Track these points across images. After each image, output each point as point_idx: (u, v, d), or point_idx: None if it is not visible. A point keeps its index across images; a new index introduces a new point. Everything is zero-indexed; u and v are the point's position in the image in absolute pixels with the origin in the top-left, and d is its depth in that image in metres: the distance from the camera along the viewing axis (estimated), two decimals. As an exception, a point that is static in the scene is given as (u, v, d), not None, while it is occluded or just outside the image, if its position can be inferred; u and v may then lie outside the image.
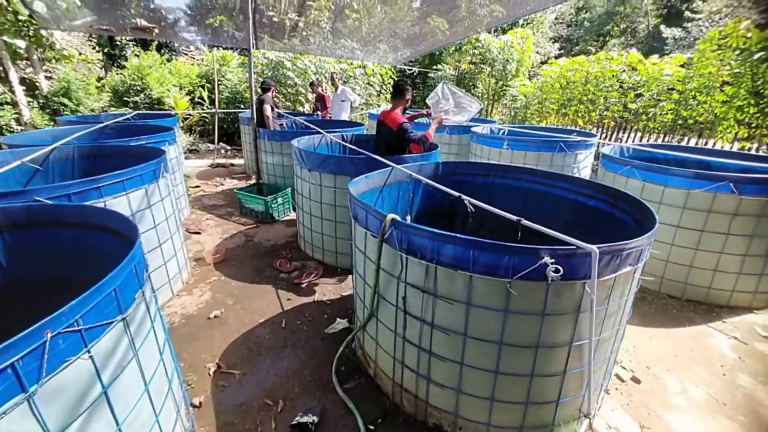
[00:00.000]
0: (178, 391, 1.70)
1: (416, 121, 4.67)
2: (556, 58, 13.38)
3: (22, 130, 7.16)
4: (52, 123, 7.47)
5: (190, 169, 7.03)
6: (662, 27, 18.72)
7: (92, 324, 1.05)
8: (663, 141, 7.65)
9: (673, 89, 7.34)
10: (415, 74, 13.43)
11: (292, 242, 4.08)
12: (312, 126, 4.90)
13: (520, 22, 14.29)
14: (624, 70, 8.08)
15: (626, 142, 8.33)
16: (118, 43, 11.88)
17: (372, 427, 1.90)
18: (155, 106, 9.16)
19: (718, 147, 6.69)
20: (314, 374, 2.27)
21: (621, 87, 8.24)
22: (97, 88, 9.14)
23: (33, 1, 6.45)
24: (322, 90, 7.84)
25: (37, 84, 8.38)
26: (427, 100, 3.57)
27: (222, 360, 2.36)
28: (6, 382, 0.85)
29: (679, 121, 7.29)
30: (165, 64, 10.33)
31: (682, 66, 7.41)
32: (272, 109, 5.69)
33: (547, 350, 1.57)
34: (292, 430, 1.89)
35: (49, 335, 0.92)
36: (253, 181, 5.58)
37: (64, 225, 1.83)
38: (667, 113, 7.39)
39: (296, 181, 3.74)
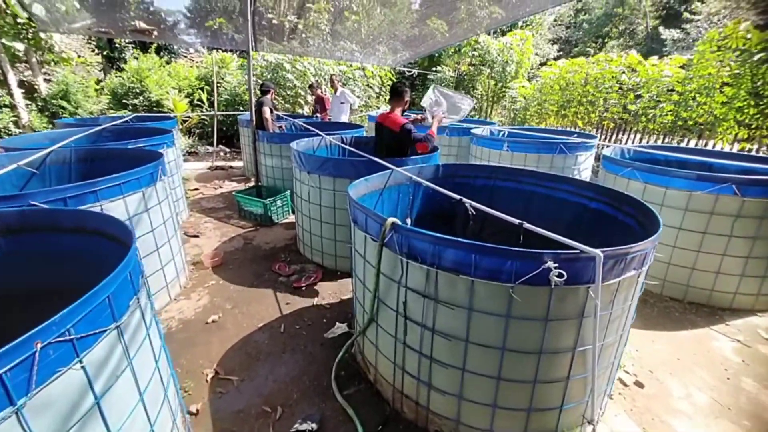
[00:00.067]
0: (175, 399, 1.67)
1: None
2: (555, 59, 13.38)
3: (20, 132, 7.13)
4: (50, 126, 7.45)
5: (188, 172, 7.01)
6: (661, 28, 18.77)
7: (84, 333, 1.02)
8: (663, 142, 7.64)
9: (672, 90, 7.33)
10: (414, 76, 13.44)
11: (291, 245, 4.05)
12: (311, 128, 4.88)
13: (519, 23, 14.31)
14: (623, 72, 8.08)
15: (626, 143, 8.32)
16: (117, 45, 11.87)
17: (372, 435, 1.87)
18: (154, 108, 9.14)
19: (718, 148, 6.68)
20: (313, 380, 2.23)
21: (620, 88, 8.24)
22: (96, 90, 9.13)
23: (32, 3, 6.44)
24: (322, 92, 7.82)
25: (36, 87, 8.36)
26: (422, 103, 3.59)
27: (220, 366, 2.33)
28: (-7, 394, 0.82)
29: (679, 123, 7.28)
30: (164, 66, 10.32)
31: (681, 67, 7.41)
32: (271, 112, 5.67)
33: (550, 356, 1.54)
34: (290, 437, 1.86)
35: (39, 346, 0.89)
36: (252, 184, 5.55)
37: (60, 230, 1.80)
38: (666, 114, 7.37)
39: (295, 184, 3.72)
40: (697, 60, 6.87)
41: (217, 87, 9.56)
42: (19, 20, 6.97)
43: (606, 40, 22.28)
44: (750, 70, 6.07)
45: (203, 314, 2.85)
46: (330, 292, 3.19)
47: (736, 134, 6.50)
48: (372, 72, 10.46)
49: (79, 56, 10.14)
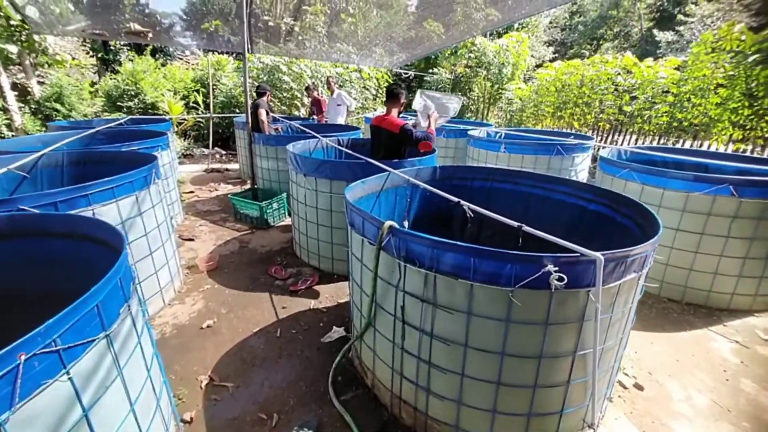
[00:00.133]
0: (167, 408, 1.63)
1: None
2: (551, 61, 13.44)
3: (13, 135, 7.06)
4: (44, 129, 7.37)
5: (184, 174, 6.95)
6: (655, 30, 18.92)
7: (72, 344, 0.99)
8: (658, 143, 7.67)
9: (667, 92, 7.37)
10: (411, 78, 13.45)
11: (288, 248, 4.02)
12: (308, 130, 4.85)
13: (515, 26, 14.37)
14: (619, 73, 8.12)
15: (622, 144, 8.35)
16: (112, 47, 11.81)
17: (370, 441, 1.84)
18: (149, 111, 9.08)
19: (713, 149, 6.71)
20: (310, 386, 2.20)
21: (616, 90, 8.27)
22: (90, 93, 9.05)
23: (25, 5, 6.37)
24: (318, 94, 7.80)
25: (29, 89, 8.28)
26: (413, 106, 3.63)
27: (214, 372, 2.29)
28: (-26, 409, 0.79)
29: (674, 124, 7.32)
30: (159, 68, 10.27)
31: (676, 69, 7.45)
32: (267, 114, 5.63)
33: (550, 360, 1.52)
34: (287, 445, 1.82)
35: (23, 358, 0.86)
36: (248, 187, 5.51)
37: (50, 235, 1.77)
38: (662, 116, 7.41)
39: (291, 187, 3.69)
40: (691, 62, 6.92)
41: (213, 89, 9.51)
42: (12, 22, 6.90)
43: (601, 42, 22.44)
44: (744, 71, 6.11)
45: (198, 319, 2.80)
46: (327, 296, 3.15)
47: (731, 135, 6.54)
48: (369, 74, 10.46)
49: (73, 58, 10.07)
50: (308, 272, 3.50)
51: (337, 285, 3.32)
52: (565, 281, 1.33)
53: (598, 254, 1.32)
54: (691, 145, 7.20)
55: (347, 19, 7.52)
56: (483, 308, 1.49)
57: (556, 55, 20.04)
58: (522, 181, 2.84)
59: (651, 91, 7.58)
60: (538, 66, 15.06)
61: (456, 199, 2.04)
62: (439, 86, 12.04)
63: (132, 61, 10.09)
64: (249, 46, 5.07)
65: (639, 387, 2.20)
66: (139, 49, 11.83)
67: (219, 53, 11.41)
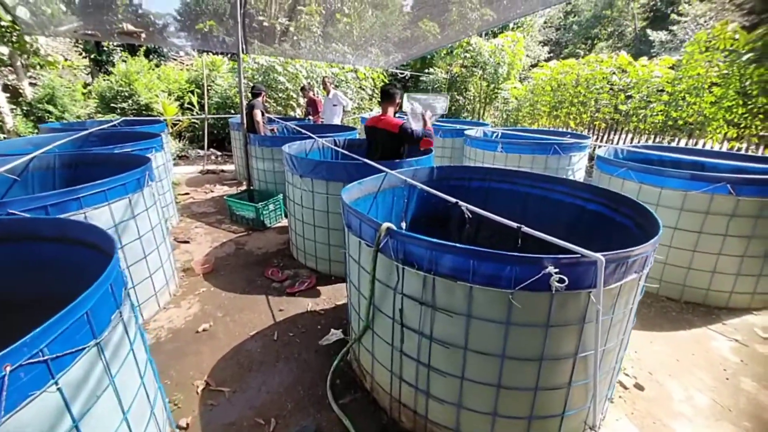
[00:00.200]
0: (162, 415, 1.60)
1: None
2: (546, 61, 13.47)
3: (5, 138, 6.96)
4: (36, 131, 7.28)
5: (179, 176, 6.89)
6: (648, 30, 19.04)
7: (60, 353, 0.96)
8: (653, 142, 7.70)
9: (662, 91, 7.40)
10: (407, 78, 13.43)
11: (284, 250, 3.98)
12: (303, 131, 4.82)
13: (511, 25, 14.40)
14: (614, 72, 8.15)
15: (617, 143, 8.38)
16: (105, 48, 11.71)
17: (369, 446, 1.82)
18: (143, 112, 9.00)
19: (708, 147, 6.74)
20: (308, 389, 2.17)
21: (611, 89, 8.30)
22: (83, 94, 8.95)
23: (15, 6, 6.29)
24: (314, 94, 7.76)
25: (21, 91, 8.18)
26: (403, 108, 3.68)
27: (211, 377, 2.25)
28: (-44, 424, 0.76)
29: (669, 122, 7.35)
30: (153, 69, 10.17)
31: (671, 68, 7.49)
32: (262, 114, 5.59)
33: (551, 363, 1.50)
34: (285, 451, 1.79)
35: (9, 369, 0.83)
36: (244, 188, 5.47)
37: (40, 239, 1.73)
38: (657, 114, 7.44)
39: (288, 188, 3.65)
40: (686, 61, 6.95)
41: (208, 90, 9.45)
42: (2, 23, 6.81)
43: (595, 42, 22.56)
44: (738, 70, 6.14)
45: (194, 323, 2.76)
46: (324, 298, 3.12)
47: (726, 133, 6.58)
48: (364, 74, 10.43)
49: (65, 59, 9.97)
50: (305, 274, 3.47)
51: (335, 287, 3.29)
52: (566, 283, 1.31)
53: (599, 255, 1.31)
54: (686, 144, 7.24)
55: (342, 19, 7.49)
56: (483, 311, 1.46)
57: (551, 54, 20.13)
58: (520, 180, 2.82)
59: (646, 90, 7.61)
60: (533, 66, 15.10)
61: (454, 200, 2.02)
62: (435, 86, 12.04)
63: (125, 61, 9.98)
64: (244, 46, 5.03)
65: (639, 387, 2.19)
66: (132, 50, 11.72)
67: (214, 54, 11.33)
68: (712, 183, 2.74)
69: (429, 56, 12.29)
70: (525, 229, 1.58)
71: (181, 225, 4.67)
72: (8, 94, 7.70)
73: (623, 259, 1.40)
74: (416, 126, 3.31)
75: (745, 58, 5.97)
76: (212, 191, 6.20)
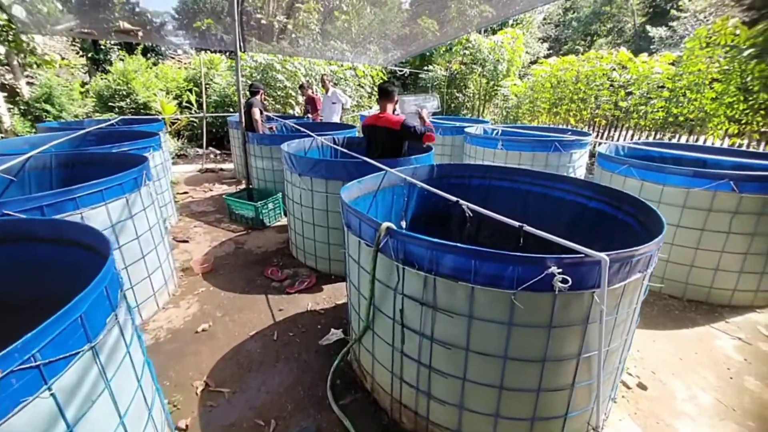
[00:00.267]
0: (160, 417, 1.58)
1: None
2: (546, 57, 13.43)
3: (2, 137, 6.92)
4: (34, 130, 7.24)
5: (178, 175, 6.86)
6: (648, 26, 18.96)
7: (53, 358, 0.93)
8: (654, 138, 7.67)
9: (663, 87, 7.37)
10: (406, 75, 13.38)
11: (284, 249, 3.96)
12: (302, 129, 4.78)
13: (510, 22, 14.33)
14: (614, 69, 8.11)
15: (618, 140, 8.35)
16: (102, 47, 11.64)
17: (370, 448, 1.80)
18: (141, 111, 8.95)
19: (709, 143, 6.72)
20: (308, 390, 2.15)
21: (612, 85, 8.27)
22: (81, 93, 8.90)
23: (11, 5, 6.24)
24: (313, 92, 7.71)
25: (18, 90, 8.14)
26: (396, 110, 3.68)
27: (210, 377, 2.23)
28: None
29: (670, 119, 7.32)
30: (151, 68, 10.12)
31: (671, 64, 7.45)
32: (261, 113, 5.56)
33: (554, 364, 1.48)
34: (285, 453, 1.78)
35: (-1, 375, 0.80)
36: (243, 186, 5.44)
37: (35, 240, 1.70)
38: (657, 111, 7.41)
39: (287, 186, 3.63)
40: (686, 56, 6.92)
41: (206, 88, 9.40)
42: (-2, 22, 6.76)
43: (594, 38, 22.48)
44: (739, 65, 6.11)
45: (193, 323, 2.74)
46: (324, 297, 3.10)
47: (727, 130, 6.55)
48: (363, 72, 10.37)
49: (62, 58, 9.91)
50: (305, 273, 3.44)
51: (335, 286, 3.27)
52: (570, 283, 1.29)
53: (603, 255, 1.28)
54: (687, 140, 7.21)
55: (341, 16, 7.44)
56: (484, 311, 1.44)
57: (551, 51, 20.07)
58: (521, 178, 2.80)
59: (646, 86, 7.58)
60: (532, 62, 15.05)
61: (455, 199, 1.99)
62: (435, 83, 11.98)
63: (123, 60, 9.93)
64: (241, 44, 4.99)
65: (642, 387, 2.17)
66: (130, 49, 11.66)
67: (212, 52, 11.27)
68: (714, 180, 2.72)
69: (428, 53, 12.23)
70: (527, 228, 1.56)
71: (180, 224, 4.64)
72: (5, 94, 7.65)
73: (627, 258, 1.38)
74: (415, 123, 3.29)
75: (746, 53, 5.94)
76: (211, 190, 6.17)
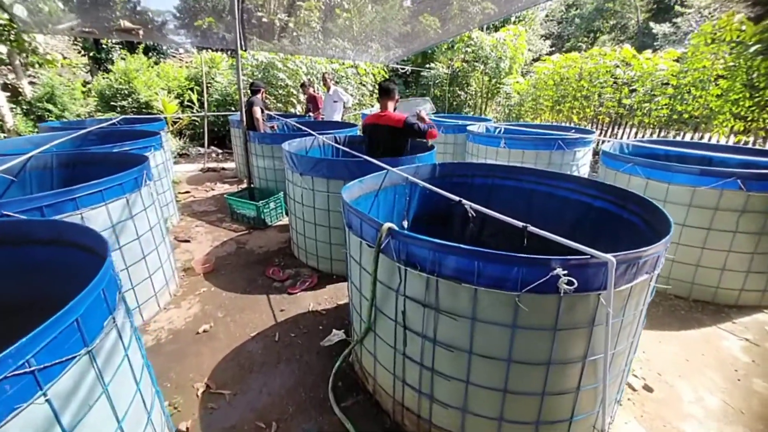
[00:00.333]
0: (160, 420, 1.56)
1: None
2: (549, 54, 13.33)
3: (5, 137, 6.94)
4: (36, 130, 7.26)
5: (179, 174, 6.86)
6: (651, 23, 18.80)
7: (48, 363, 0.91)
8: (658, 136, 7.60)
9: (667, 84, 7.28)
10: (408, 73, 13.32)
11: (285, 248, 3.94)
12: (303, 128, 4.76)
13: (512, 19, 14.23)
14: (618, 66, 8.03)
15: (622, 137, 8.28)
16: (104, 46, 11.64)
17: (372, 450, 1.78)
18: (143, 110, 8.95)
19: (714, 141, 6.64)
20: (310, 392, 2.13)
21: (615, 83, 8.19)
22: (82, 92, 8.92)
23: (12, 4, 6.24)
24: (314, 91, 7.69)
25: (20, 90, 8.15)
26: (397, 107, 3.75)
27: (211, 379, 2.22)
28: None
29: (674, 116, 7.24)
30: (152, 67, 10.11)
31: (676, 60, 7.37)
32: (262, 111, 5.54)
33: (559, 367, 1.45)
34: (286, 456, 1.76)
35: (-9, 382, 0.78)
36: (244, 186, 5.42)
37: (34, 242, 1.69)
38: (662, 108, 7.34)
39: (288, 186, 3.60)
40: (691, 53, 6.83)
41: (208, 87, 9.39)
42: (0, 21, 6.77)
43: (597, 35, 22.32)
44: (745, 62, 6.03)
45: (194, 324, 2.73)
46: (326, 297, 3.08)
47: (732, 127, 6.48)
48: (365, 70, 10.33)
49: (64, 58, 9.94)
50: (307, 273, 3.43)
51: (337, 286, 3.25)
52: (575, 285, 1.26)
53: (609, 256, 1.25)
54: (692, 138, 7.14)
55: (342, 14, 7.40)
56: (488, 313, 1.42)
57: (553, 48, 19.94)
58: (524, 177, 2.76)
59: (650, 83, 7.50)
60: (535, 60, 14.94)
61: (457, 198, 1.96)
62: (437, 81, 11.92)
63: (124, 59, 9.93)
64: (242, 42, 4.97)
65: (648, 389, 2.14)
66: (131, 48, 11.65)
67: (213, 51, 11.25)
68: (722, 178, 2.68)
69: (430, 51, 12.17)
70: (531, 228, 1.53)
71: (182, 224, 4.63)
72: (8, 93, 7.67)
73: (634, 259, 1.35)
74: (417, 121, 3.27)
75: (752, 49, 5.86)
76: (213, 189, 6.16)
